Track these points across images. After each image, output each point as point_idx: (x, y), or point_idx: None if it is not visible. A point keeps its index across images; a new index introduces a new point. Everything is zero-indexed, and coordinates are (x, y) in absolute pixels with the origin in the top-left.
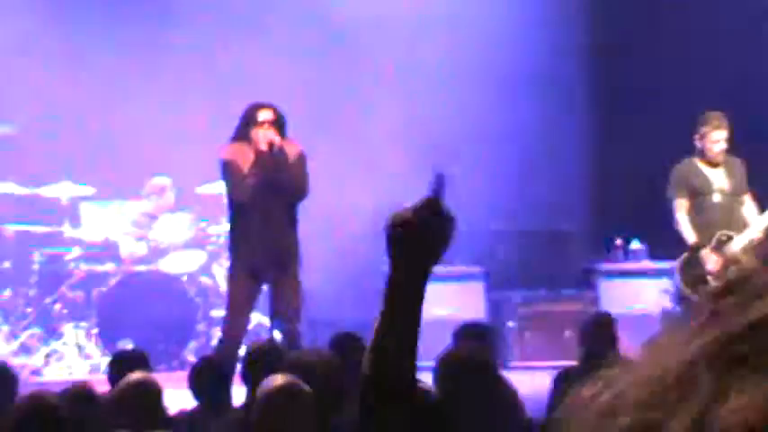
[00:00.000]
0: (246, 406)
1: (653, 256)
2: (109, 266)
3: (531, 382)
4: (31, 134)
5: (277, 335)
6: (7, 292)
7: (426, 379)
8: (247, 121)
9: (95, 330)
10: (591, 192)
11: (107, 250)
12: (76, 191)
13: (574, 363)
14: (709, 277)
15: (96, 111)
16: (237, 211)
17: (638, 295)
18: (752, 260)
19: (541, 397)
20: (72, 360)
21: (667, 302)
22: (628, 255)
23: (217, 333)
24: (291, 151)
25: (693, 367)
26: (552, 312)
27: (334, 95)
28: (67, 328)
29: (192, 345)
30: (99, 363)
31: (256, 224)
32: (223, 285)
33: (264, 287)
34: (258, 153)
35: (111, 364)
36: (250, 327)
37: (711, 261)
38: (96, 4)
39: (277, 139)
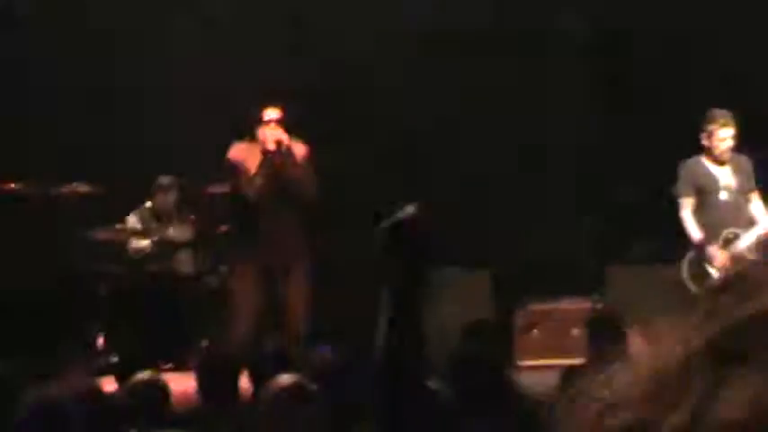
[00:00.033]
0: (254, 405)
1: (663, 254)
2: (116, 266)
3: (538, 380)
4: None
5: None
6: None
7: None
8: (253, 120)
9: (104, 329)
10: (599, 189)
11: (114, 249)
12: (83, 189)
13: (581, 361)
14: (715, 274)
15: (100, 108)
16: (245, 210)
17: (647, 293)
18: (759, 258)
19: (549, 395)
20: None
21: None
22: (637, 252)
23: (224, 333)
24: (299, 150)
25: (689, 364)
26: (560, 310)
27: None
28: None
29: (200, 344)
30: (107, 362)
31: (264, 224)
32: (230, 285)
33: (272, 286)
34: (266, 152)
35: (119, 364)
36: (257, 326)
37: (718, 258)
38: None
39: (285, 138)
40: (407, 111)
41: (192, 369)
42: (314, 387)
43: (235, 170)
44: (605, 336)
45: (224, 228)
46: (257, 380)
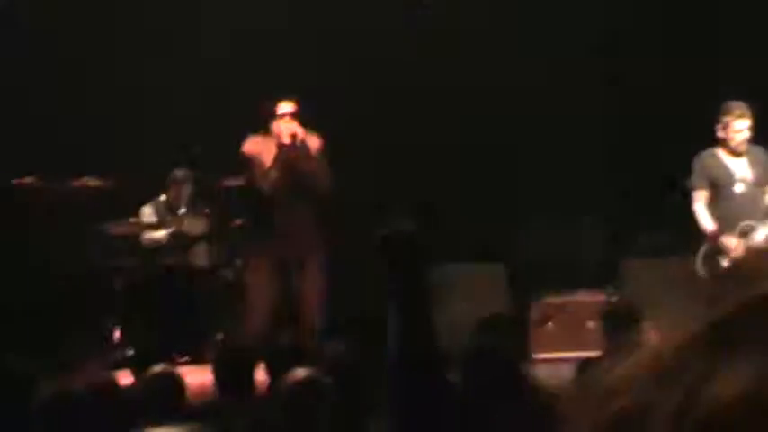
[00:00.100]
0: (269, 398)
1: (676, 247)
2: (131, 259)
3: (554, 373)
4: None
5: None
6: None
7: (450, 371)
8: (268, 113)
9: (119, 323)
10: (614, 181)
11: (129, 243)
12: (96, 183)
13: (597, 353)
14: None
15: (113, 102)
16: (259, 204)
17: (662, 286)
18: None
19: (564, 388)
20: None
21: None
22: (652, 245)
23: (239, 326)
24: (313, 144)
25: (689, 348)
26: (575, 303)
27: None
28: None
29: (215, 338)
30: (123, 355)
31: (278, 217)
32: (245, 278)
33: (287, 280)
34: (281, 146)
35: (135, 357)
36: (272, 319)
37: (734, 248)
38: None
39: (300, 132)
40: (420, 108)
41: (207, 362)
42: (329, 380)
43: (249, 164)
44: (620, 328)
45: (239, 221)
46: (273, 373)
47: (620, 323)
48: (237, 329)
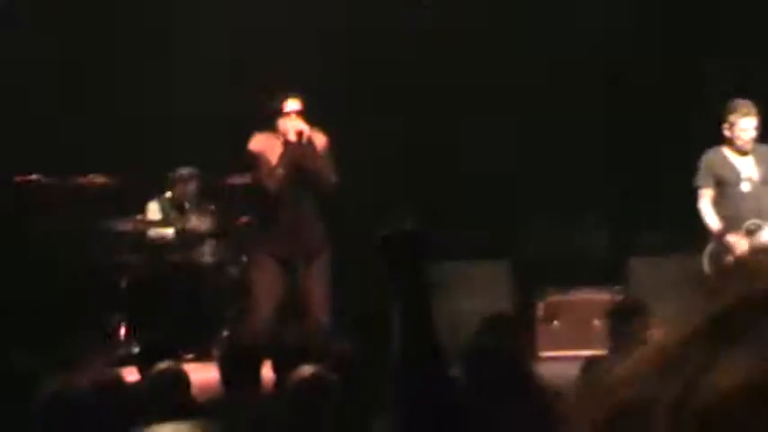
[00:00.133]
0: (275, 395)
1: (684, 245)
2: (137, 256)
3: (559, 371)
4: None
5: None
6: None
7: (454, 369)
8: (273, 111)
9: (125, 320)
10: (618, 179)
11: (135, 240)
12: (101, 181)
13: (603, 352)
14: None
15: (115, 101)
16: (266, 201)
17: (668, 284)
18: None
19: (570, 386)
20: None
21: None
22: (658, 243)
23: (245, 323)
24: (319, 141)
25: (689, 341)
26: (581, 301)
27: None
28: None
29: (221, 335)
30: (128, 352)
31: (284, 215)
32: (251, 275)
33: (293, 277)
34: (287, 144)
35: (140, 354)
36: (278, 317)
37: (740, 246)
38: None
39: (306, 129)
40: (422, 108)
41: (213, 359)
42: (334, 378)
43: (255, 161)
44: (626, 327)
45: (244, 219)
46: (279, 370)
47: (625, 322)
48: (243, 326)
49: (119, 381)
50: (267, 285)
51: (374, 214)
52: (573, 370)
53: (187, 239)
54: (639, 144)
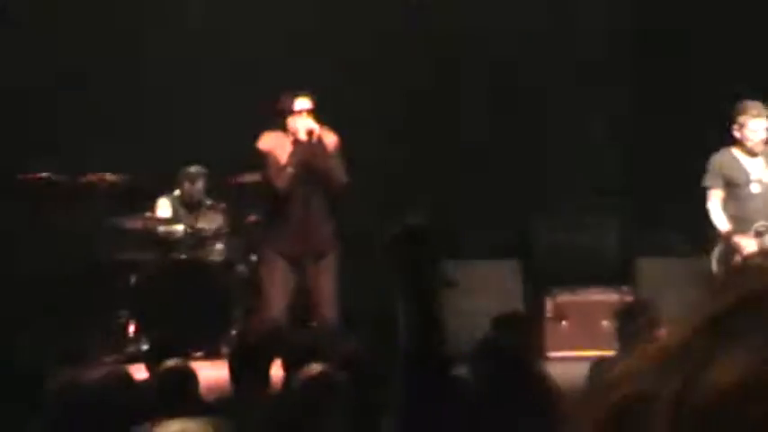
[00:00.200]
0: (284, 393)
1: (693, 246)
2: (147, 254)
3: (568, 371)
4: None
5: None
6: None
7: (464, 369)
8: (283, 110)
9: (134, 317)
10: (629, 180)
11: (144, 237)
12: (111, 178)
13: (611, 352)
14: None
15: (129, 96)
16: (276, 200)
17: (677, 285)
18: None
19: (579, 387)
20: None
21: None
22: (667, 244)
23: (254, 321)
24: (329, 140)
25: (691, 338)
26: (589, 302)
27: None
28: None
29: (230, 333)
30: (137, 349)
31: (295, 214)
32: (260, 274)
33: (302, 275)
34: (297, 143)
35: (149, 352)
36: (287, 315)
37: (747, 248)
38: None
39: (316, 128)
40: (428, 107)
41: (222, 357)
42: (343, 376)
43: (264, 160)
44: (634, 327)
45: (254, 217)
46: (288, 369)
47: (634, 322)
48: (252, 325)
49: (127, 378)
50: (276, 284)
51: (383, 214)
52: (581, 370)
53: (196, 237)
54: (648, 144)
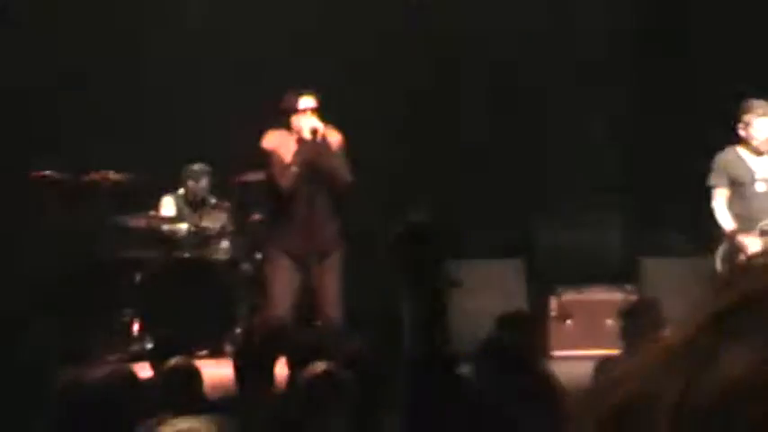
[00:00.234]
0: (288, 392)
1: (697, 245)
2: (151, 252)
3: (572, 371)
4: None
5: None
6: None
7: (469, 367)
8: (288, 108)
9: (138, 315)
10: (629, 180)
11: (149, 236)
12: (115, 177)
13: (616, 351)
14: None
15: (131, 96)
16: (280, 199)
17: (681, 284)
18: None
19: (583, 386)
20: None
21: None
22: (671, 243)
23: (259, 320)
24: (333, 139)
25: (694, 337)
26: (594, 301)
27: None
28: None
29: (234, 331)
30: (142, 348)
31: (299, 212)
32: (265, 272)
33: (306, 274)
34: (301, 141)
35: (153, 350)
36: (292, 314)
37: (752, 245)
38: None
39: (321, 127)
40: (436, 108)
41: (226, 356)
42: (348, 375)
43: (268, 159)
44: (639, 327)
45: (258, 216)
46: (293, 367)
47: (638, 321)
48: (257, 323)
49: (132, 377)
50: (281, 282)
51: (386, 213)
52: (585, 369)
53: (201, 236)
54: (648, 144)
